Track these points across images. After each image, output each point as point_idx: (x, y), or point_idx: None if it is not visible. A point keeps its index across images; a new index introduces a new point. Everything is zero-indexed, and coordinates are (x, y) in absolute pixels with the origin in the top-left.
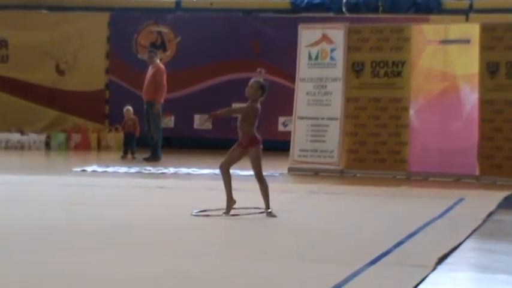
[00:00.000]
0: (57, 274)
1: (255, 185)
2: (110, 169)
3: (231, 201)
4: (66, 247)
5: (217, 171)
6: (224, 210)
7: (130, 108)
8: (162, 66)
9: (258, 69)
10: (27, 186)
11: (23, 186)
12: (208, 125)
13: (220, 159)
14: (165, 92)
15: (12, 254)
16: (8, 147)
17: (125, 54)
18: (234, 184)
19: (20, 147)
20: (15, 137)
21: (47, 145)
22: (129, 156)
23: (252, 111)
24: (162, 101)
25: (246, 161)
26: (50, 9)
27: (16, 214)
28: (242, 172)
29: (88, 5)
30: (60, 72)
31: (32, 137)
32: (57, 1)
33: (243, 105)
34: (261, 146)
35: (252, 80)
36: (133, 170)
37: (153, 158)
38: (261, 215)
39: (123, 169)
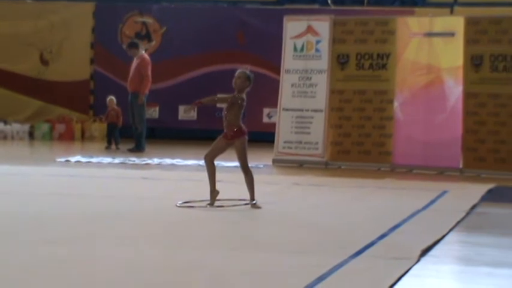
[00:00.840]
0: (42, 265)
1: (240, 177)
2: (94, 159)
3: (214, 192)
4: (51, 238)
5: (202, 162)
6: (208, 202)
7: (113, 98)
8: (147, 57)
9: (244, 67)
10: (10, 177)
11: (6, 176)
12: (193, 114)
13: (205, 150)
14: (149, 83)
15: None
16: None
17: (110, 45)
18: (218, 175)
19: (3, 137)
20: None
21: (31, 135)
22: (113, 146)
23: (237, 101)
24: (146, 92)
25: (231, 152)
26: None
27: (3, 204)
28: (227, 163)
29: None
30: (44, 62)
31: (16, 127)
32: None
33: (229, 95)
34: (247, 137)
35: (238, 71)
36: (117, 160)
37: (137, 149)
38: (246, 206)
39: (107, 159)
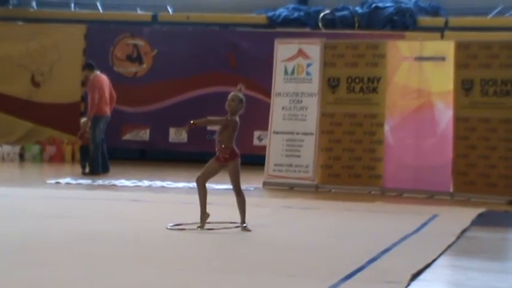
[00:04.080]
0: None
1: (231, 199)
2: (84, 181)
3: (204, 214)
4: (40, 261)
5: (193, 184)
6: (199, 224)
7: (87, 119)
8: (97, 78)
9: (239, 86)
10: (0, 199)
11: None
12: (184, 137)
13: (196, 173)
14: (93, 105)
15: None
16: None
17: (101, 67)
18: (209, 198)
19: None
20: None
21: (21, 157)
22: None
23: (231, 124)
24: (92, 114)
25: (222, 175)
26: (26, 21)
27: None
28: (217, 186)
29: (64, 18)
30: (35, 84)
31: (6, 148)
32: (34, 13)
33: (222, 117)
34: (240, 160)
35: (232, 93)
36: (107, 182)
37: (91, 172)
38: (236, 229)
39: (97, 182)
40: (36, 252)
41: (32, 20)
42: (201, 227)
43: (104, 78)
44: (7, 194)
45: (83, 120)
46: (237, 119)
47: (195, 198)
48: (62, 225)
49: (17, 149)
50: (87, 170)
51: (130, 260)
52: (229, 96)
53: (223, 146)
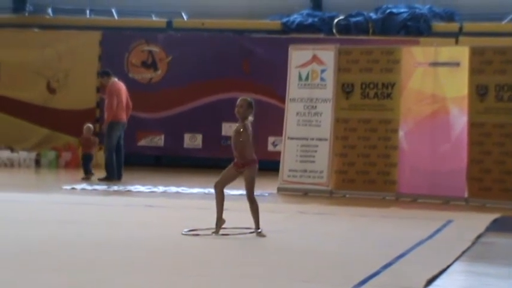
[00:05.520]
0: None
1: (246, 205)
2: (100, 187)
3: (220, 220)
4: (56, 267)
5: (207, 190)
6: (214, 230)
7: (90, 126)
8: (114, 85)
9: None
10: (16, 204)
11: (13, 203)
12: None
13: (210, 178)
14: (111, 111)
15: (5, 271)
16: None
17: (116, 73)
18: (225, 203)
19: (10, 164)
20: (5, 154)
21: (37, 163)
22: (89, 176)
23: (242, 129)
24: (109, 120)
25: (238, 181)
26: (41, 28)
27: (5, 232)
28: (232, 191)
29: (80, 24)
30: (51, 90)
31: (22, 154)
32: (49, 20)
33: (236, 127)
34: (257, 166)
35: (240, 99)
36: (122, 188)
37: (106, 178)
38: (251, 234)
39: (112, 188)
40: (50, 257)
41: (47, 26)
42: (216, 232)
43: (122, 85)
44: (23, 199)
45: (86, 126)
46: (249, 125)
47: (210, 203)
48: (77, 230)
49: (33, 155)
50: (98, 176)
51: (145, 266)
52: (238, 101)
53: (239, 152)
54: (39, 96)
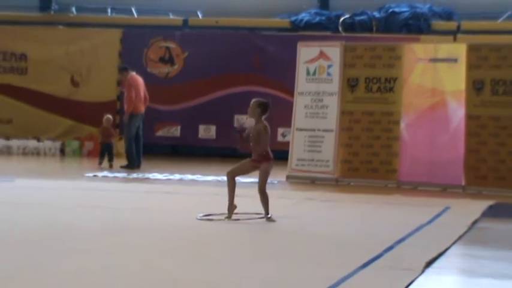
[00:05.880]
0: (72, 275)
1: (254, 193)
2: (120, 175)
3: (232, 206)
4: (79, 249)
5: (221, 178)
6: (227, 215)
7: (110, 117)
8: (132, 78)
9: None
10: (42, 190)
11: (39, 189)
12: (212, 133)
13: (223, 167)
14: (133, 103)
15: (29, 255)
16: (25, 153)
17: (136, 68)
18: (237, 191)
19: (36, 153)
20: (32, 143)
21: (62, 152)
22: (105, 164)
23: (256, 129)
24: (129, 111)
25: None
26: (66, 26)
27: (31, 216)
28: (244, 179)
29: (102, 22)
30: (74, 84)
31: (48, 144)
32: (73, 18)
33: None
34: (272, 162)
35: (253, 100)
36: (141, 176)
37: (128, 166)
38: (261, 219)
39: (131, 175)
40: (75, 240)
41: (71, 24)
42: (229, 217)
43: (139, 79)
44: (49, 186)
45: (106, 117)
46: (265, 123)
47: (223, 190)
48: (99, 215)
49: (58, 144)
50: (106, 164)
51: (163, 248)
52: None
53: (256, 149)
54: (63, 89)
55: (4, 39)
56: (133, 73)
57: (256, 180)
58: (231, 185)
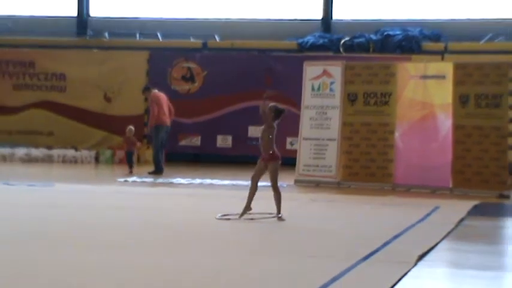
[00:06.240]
0: (102, 267)
1: (267, 194)
2: (147, 179)
3: (248, 208)
4: (113, 244)
5: (236, 182)
6: (234, 215)
7: (132, 128)
8: (154, 95)
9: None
10: (79, 193)
11: (76, 193)
12: (229, 143)
13: (238, 172)
14: (155, 117)
15: (68, 249)
16: (64, 161)
17: (161, 85)
18: (232, 193)
19: (74, 161)
20: (70, 152)
21: (96, 160)
22: (132, 170)
23: (265, 129)
24: (152, 124)
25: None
26: (100, 49)
27: (69, 216)
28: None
29: (131, 45)
30: (107, 99)
31: (84, 153)
32: (106, 42)
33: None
34: (280, 162)
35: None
36: (166, 180)
37: (154, 172)
38: (273, 219)
39: (158, 180)
40: (108, 236)
41: (104, 47)
42: (241, 215)
43: (161, 95)
44: (85, 190)
45: (128, 128)
46: (274, 125)
47: (238, 193)
48: (129, 215)
49: (92, 153)
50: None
51: (186, 244)
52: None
53: (264, 147)
54: (97, 104)
55: (46, 61)
56: (155, 91)
57: (269, 183)
58: (253, 189)
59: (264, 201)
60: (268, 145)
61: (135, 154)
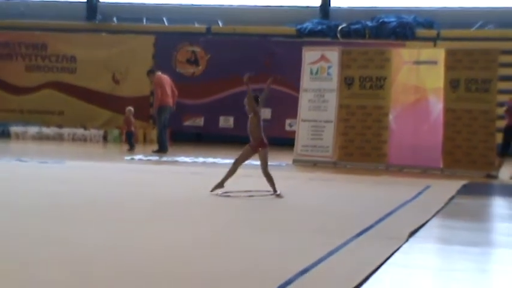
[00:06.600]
0: (115, 242)
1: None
2: (153, 158)
3: (221, 185)
4: (120, 218)
5: None
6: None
7: (131, 108)
8: (158, 78)
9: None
10: (88, 170)
11: (86, 169)
12: (231, 123)
13: (240, 151)
14: (159, 99)
15: (77, 224)
16: (74, 139)
17: (166, 68)
18: (249, 171)
19: (83, 139)
20: (80, 131)
21: (105, 138)
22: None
23: (254, 117)
24: (157, 105)
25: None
26: (108, 33)
27: (80, 191)
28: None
29: (138, 30)
30: (115, 81)
31: (93, 132)
32: (114, 26)
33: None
34: (268, 149)
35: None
36: (170, 159)
37: (158, 150)
38: (272, 196)
39: (162, 158)
40: (115, 210)
41: (113, 31)
42: (212, 190)
43: (165, 77)
44: (94, 166)
45: (127, 108)
46: (254, 113)
47: (240, 171)
48: (135, 191)
49: (101, 132)
50: (134, 147)
51: (188, 219)
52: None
53: (252, 135)
54: (106, 86)
55: (57, 44)
56: (159, 73)
57: (271, 163)
58: (232, 171)
59: (262, 179)
60: (257, 132)
61: (135, 133)
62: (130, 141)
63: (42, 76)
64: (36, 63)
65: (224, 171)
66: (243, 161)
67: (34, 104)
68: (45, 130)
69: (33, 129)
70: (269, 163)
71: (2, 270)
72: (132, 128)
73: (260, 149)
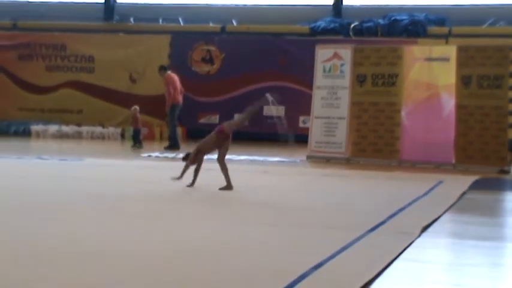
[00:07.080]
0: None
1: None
2: (169, 155)
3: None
4: (136, 214)
5: (252, 158)
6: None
7: (136, 107)
8: (169, 76)
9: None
10: (106, 167)
11: (104, 167)
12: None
13: (254, 148)
14: (172, 97)
15: (92, 217)
16: (93, 137)
17: (182, 67)
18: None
19: (102, 137)
20: (98, 129)
21: (122, 136)
22: (137, 145)
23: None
24: (170, 103)
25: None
26: (125, 33)
27: (98, 187)
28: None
29: (154, 30)
30: (132, 80)
31: (111, 130)
32: (131, 26)
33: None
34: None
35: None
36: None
37: (171, 147)
38: (279, 191)
39: (179, 155)
40: (131, 205)
41: (130, 31)
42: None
43: (175, 76)
44: (112, 164)
45: (133, 107)
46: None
47: (254, 168)
48: (150, 187)
49: (118, 130)
50: (137, 145)
51: (199, 216)
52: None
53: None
54: (123, 85)
55: (76, 44)
56: (169, 72)
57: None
58: (224, 167)
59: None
60: (236, 129)
61: (141, 131)
62: (138, 139)
63: (62, 76)
64: (56, 64)
65: (236, 168)
66: (210, 151)
67: (54, 103)
68: (65, 128)
69: (53, 128)
70: (283, 159)
71: (21, 265)
72: (139, 126)
73: (228, 141)
